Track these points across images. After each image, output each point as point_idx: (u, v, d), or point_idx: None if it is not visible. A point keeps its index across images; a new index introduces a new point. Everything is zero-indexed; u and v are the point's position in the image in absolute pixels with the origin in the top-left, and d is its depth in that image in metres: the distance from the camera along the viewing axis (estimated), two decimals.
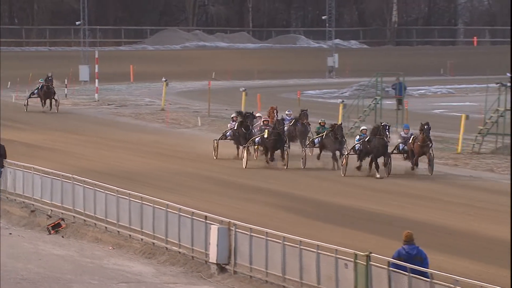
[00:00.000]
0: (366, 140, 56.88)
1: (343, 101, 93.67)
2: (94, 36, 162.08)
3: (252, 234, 42.31)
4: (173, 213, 46.27)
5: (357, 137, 58.80)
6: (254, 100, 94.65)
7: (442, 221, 50.90)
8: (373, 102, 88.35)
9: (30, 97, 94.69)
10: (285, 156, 61.19)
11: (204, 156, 71.78)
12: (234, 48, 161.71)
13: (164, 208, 46.84)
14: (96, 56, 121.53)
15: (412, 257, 35.78)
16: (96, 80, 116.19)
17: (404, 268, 35.40)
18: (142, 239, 48.22)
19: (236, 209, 50.11)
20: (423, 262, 35.73)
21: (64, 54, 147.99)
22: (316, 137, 60.31)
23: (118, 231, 49.32)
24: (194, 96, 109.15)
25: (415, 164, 58.65)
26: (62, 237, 50.62)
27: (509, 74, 79.54)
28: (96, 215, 51.15)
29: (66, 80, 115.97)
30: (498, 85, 78.49)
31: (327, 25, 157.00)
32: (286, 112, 68.53)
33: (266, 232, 41.72)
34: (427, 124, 57.05)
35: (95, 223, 51.04)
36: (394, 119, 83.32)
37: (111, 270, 43.65)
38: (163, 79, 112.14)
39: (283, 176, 63.35)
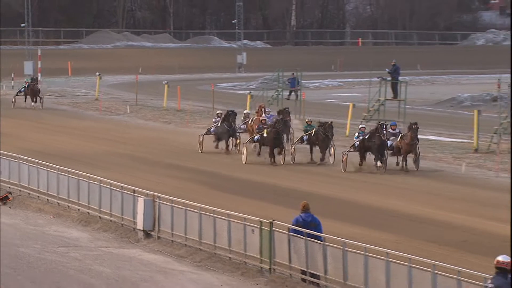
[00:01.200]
0: (366, 137, 54.10)
1: (250, 92, 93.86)
2: (37, 36, 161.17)
3: (173, 205, 42.41)
4: (106, 187, 46.44)
5: (356, 134, 56.02)
6: (175, 91, 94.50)
7: (332, 192, 50.83)
8: (275, 93, 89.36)
9: (17, 95, 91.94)
10: (283, 153, 57.39)
11: (132, 138, 71.79)
12: (157, 47, 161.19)
13: (98, 183, 47.03)
14: (39, 53, 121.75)
15: (308, 224, 35.87)
16: (39, 74, 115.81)
17: (301, 233, 35.60)
18: (79, 209, 48.28)
19: (160, 184, 50.07)
20: (317, 227, 35.87)
21: (10, 52, 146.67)
22: (305, 135, 56.87)
23: (58, 203, 49.33)
24: (124, 88, 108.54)
25: (403, 160, 55.66)
26: (10, 207, 50.42)
27: (387, 70, 79.97)
28: (39, 189, 51.14)
29: (12, 74, 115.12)
30: (379, 79, 79.00)
31: (236, 28, 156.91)
32: (266, 110, 64.67)
33: (185, 203, 41.89)
34: (416, 124, 54.89)
35: (38, 196, 50.95)
36: (293, 108, 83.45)
37: (52, 236, 43.53)
38: (97, 74, 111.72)
39: (201, 156, 63.52)
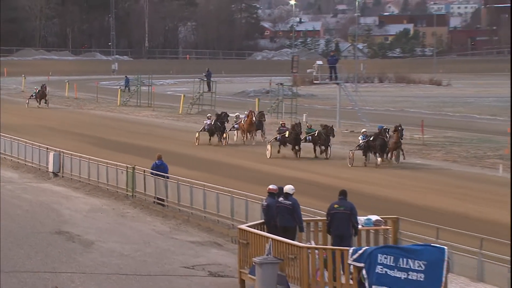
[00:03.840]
0: (371, 139, 45.33)
1: (120, 87, 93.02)
2: None
3: (72, 157, 42.07)
4: (29, 146, 46.12)
5: (361, 136, 46.39)
6: (73, 86, 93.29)
7: (175, 149, 49.80)
8: (136, 88, 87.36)
9: (30, 98, 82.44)
10: (299, 149, 48.13)
11: (47, 116, 70.66)
12: (61, 59, 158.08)
13: (24, 144, 46.71)
14: None
15: (159, 166, 35.64)
16: None
17: (155, 174, 35.55)
18: (11, 159, 47.66)
19: (65, 144, 49.02)
20: (164, 169, 35.64)
21: None
22: (308, 135, 48.03)
23: None
24: (40, 84, 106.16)
25: (391, 157, 46.14)
26: None
27: (204, 74, 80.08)
28: None
29: None
30: (199, 79, 78.80)
31: (111, 47, 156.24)
32: (245, 112, 56.21)
33: (80, 156, 41.57)
34: (400, 126, 46.28)
35: None
36: (146, 99, 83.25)
37: None
38: (23, 75, 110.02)
39: (92, 126, 63.11)
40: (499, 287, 22.01)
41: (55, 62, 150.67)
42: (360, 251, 21.45)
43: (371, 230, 24.28)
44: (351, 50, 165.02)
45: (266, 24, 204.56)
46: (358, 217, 24.42)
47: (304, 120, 62.24)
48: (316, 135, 47.55)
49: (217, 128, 52.97)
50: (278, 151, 48.18)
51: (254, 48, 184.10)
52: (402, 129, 45.61)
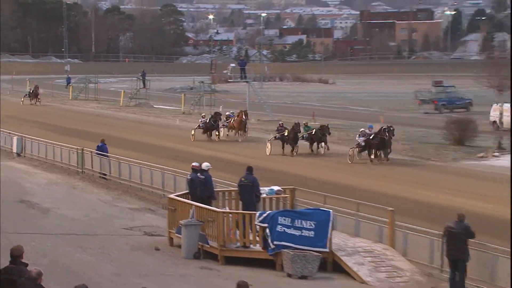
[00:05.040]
0: (371, 138, 39.70)
1: (71, 84, 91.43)
2: None
3: (32, 140, 41.47)
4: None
5: (358, 135, 40.84)
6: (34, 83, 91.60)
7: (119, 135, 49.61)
8: (84, 85, 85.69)
9: (24, 97, 76.91)
10: (296, 149, 42.30)
11: (13, 108, 69.26)
12: (24, 62, 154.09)
13: None
14: None
15: (101, 148, 35.43)
16: None
17: (99, 154, 35.31)
18: None
19: (28, 130, 48.14)
20: (106, 150, 35.45)
21: None
22: (306, 133, 42.72)
23: None
24: (6, 82, 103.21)
25: (376, 154, 40.08)
26: None
27: (140, 74, 79.32)
28: None
29: None
30: (136, 78, 78.20)
31: (64, 52, 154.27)
32: (227, 113, 51.14)
33: (38, 140, 40.95)
34: (392, 127, 40.51)
35: None
36: (93, 94, 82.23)
37: None
38: None
39: (49, 115, 62.20)
40: (371, 240, 22.41)
41: (18, 64, 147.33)
42: (265, 215, 21.66)
43: (273, 198, 24.43)
44: (257, 55, 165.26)
45: (190, 34, 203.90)
46: (264, 188, 24.63)
47: (220, 109, 62.17)
48: (313, 133, 42.63)
49: (211, 126, 49.29)
50: (283, 150, 42.42)
51: (180, 53, 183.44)
52: (393, 129, 39.94)
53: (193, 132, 49.16)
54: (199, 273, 20.33)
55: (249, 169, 23.67)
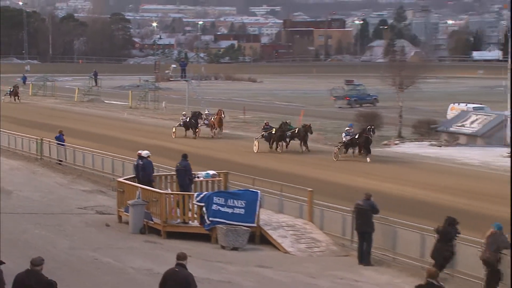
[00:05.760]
0: (356, 136, 36.72)
1: (30, 82, 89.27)
2: None
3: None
4: None
5: (344, 133, 37.69)
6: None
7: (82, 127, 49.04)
8: (43, 83, 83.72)
9: (5, 95, 71.44)
10: (284, 145, 39.14)
11: None
12: None
13: None
14: None
15: (58, 138, 34.89)
16: None
17: (56, 143, 34.74)
18: None
19: None
20: (62, 140, 34.93)
21: None
22: (289, 131, 38.94)
23: None
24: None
25: (360, 151, 37.02)
26: None
27: (92, 74, 78.06)
28: None
29: None
30: (89, 77, 77.07)
31: (24, 54, 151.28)
32: (206, 111, 47.19)
33: (2, 131, 39.97)
34: (372, 125, 38.08)
35: None
36: (51, 91, 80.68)
37: None
38: None
39: (19, 110, 60.84)
40: (293, 216, 22.54)
41: None
42: (202, 195, 21.68)
43: (209, 181, 24.42)
44: (195, 58, 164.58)
45: (136, 39, 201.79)
46: (200, 172, 24.64)
47: (163, 105, 61.83)
48: (296, 131, 39.09)
49: (191, 124, 46.03)
50: (271, 147, 39.24)
51: (128, 55, 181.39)
52: (374, 129, 37.31)
53: (174, 129, 45.88)
54: (144, 246, 20.24)
55: (184, 156, 23.73)
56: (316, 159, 36.73)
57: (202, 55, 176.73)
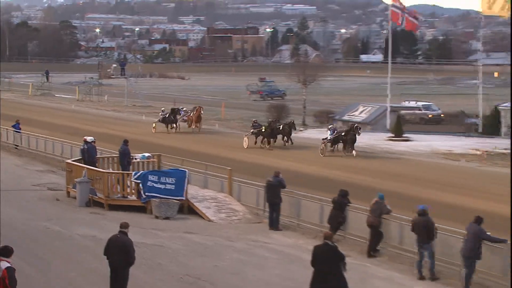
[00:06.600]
0: (342, 134, 33.07)
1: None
2: None
3: None
4: None
5: (329, 131, 33.65)
6: None
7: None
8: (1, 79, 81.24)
9: None
10: (271, 142, 34.92)
11: None
12: None
13: None
14: None
15: (15, 126, 33.86)
16: None
17: (16, 131, 33.61)
18: None
19: None
20: (18, 128, 33.91)
21: None
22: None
23: None
24: None
25: (344, 147, 32.84)
26: None
27: (44, 72, 75.66)
28: None
29: None
30: (41, 75, 74.86)
31: None
32: (184, 108, 42.69)
33: None
34: (358, 125, 34.41)
35: None
36: (8, 86, 77.95)
37: None
38: None
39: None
40: (215, 191, 22.54)
41: None
42: (138, 174, 21.57)
43: (145, 161, 24.20)
44: (133, 58, 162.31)
45: (82, 43, 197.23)
46: (138, 154, 24.46)
47: (106, 99, 60.77)
48: (281, 128, 35.12)
49: (170, 120, 41.20)
50: (261, 143, 35.19)
51: (75, 56, 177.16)
52: (360, 128, 33.57)
53: (154, 125, 41.28)
54: (90, 217, 20.00)
55: (125, 141, 23.91)
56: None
57: (138, 56, 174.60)
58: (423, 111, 45.61)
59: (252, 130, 35.74)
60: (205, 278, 14.01)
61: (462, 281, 13.68)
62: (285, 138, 35.04)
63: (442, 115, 45.50)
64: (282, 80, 64.25)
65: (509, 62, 43.00)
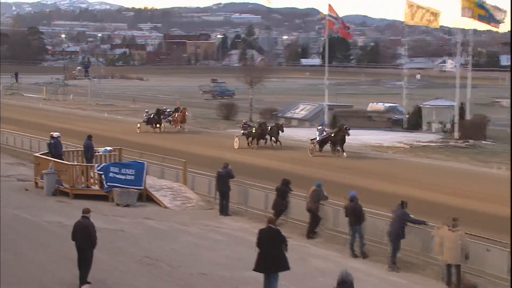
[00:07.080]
0: (332, 134, 30.44)
1: None
2: None
3: None
4: None
5: (317, 132, 31.07)
6: None
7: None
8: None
9: None
10: (259, 142, 32.78)
11: None
12: None
13: None
14: None
15: None
16: None
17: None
18: None
19: None
20: None
21: None
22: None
23: None
24: None
25: (335, 148, 30.24)
26: None
27: (14, 74, 73.64)
28: None
29: None
30: (11, 76, 72.72)
31: None
32: (168, 110, 40.07)
33: None
34: (346, 125, 30.97)
35: None
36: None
37: None
38: None
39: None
40: (171, 181, 22.41)
41: None
42: (101, 166, 21.32)
43: (107, 155, 23.85)
44: (96, 61, 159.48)
45: (49, 47, 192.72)
46: (100, 148, 24.12)
47: (71, 98, 59.58)
48: (269, 129, 32.92)
49: (155, 120, 38.68)
50: (249, 144, 32.80)
51: (43, 59, 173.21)
52: (348, 128, 30.44)
53: (138, 125, 38.62)
54: (57, 205, 19.63)
55: (88, 136, 23.21)
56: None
57: (101, 59, 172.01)
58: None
59: (242, 131, 33.32)
60: (163, 259, 13.98)
61: (389, 258, 13.98)
62: (273, 139, 32.82)
63: (407, 116, 41.75)
64: (231, 81, 64.33)
65: (459, 65, 42.22)
